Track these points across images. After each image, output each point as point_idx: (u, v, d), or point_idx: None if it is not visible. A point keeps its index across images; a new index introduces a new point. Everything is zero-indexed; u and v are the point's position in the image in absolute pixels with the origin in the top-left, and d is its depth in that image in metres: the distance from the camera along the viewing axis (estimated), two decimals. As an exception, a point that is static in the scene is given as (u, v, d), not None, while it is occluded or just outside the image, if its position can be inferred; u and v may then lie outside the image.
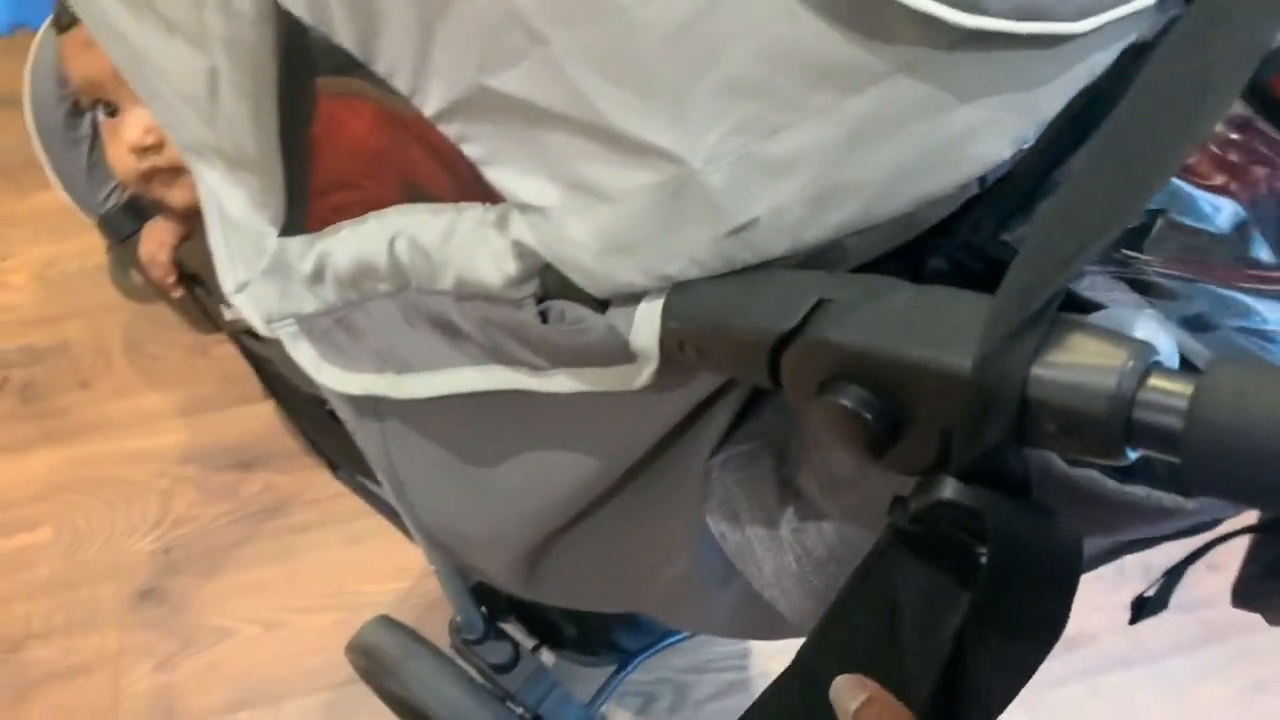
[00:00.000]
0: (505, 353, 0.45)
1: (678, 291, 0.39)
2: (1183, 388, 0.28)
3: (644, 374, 0.41)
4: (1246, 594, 0.38)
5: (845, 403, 0.34)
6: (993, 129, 0.34)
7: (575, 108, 0.36)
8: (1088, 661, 1.16)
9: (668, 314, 0.39)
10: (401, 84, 0.41)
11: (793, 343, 0.35)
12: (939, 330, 0.32)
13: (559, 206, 0.39)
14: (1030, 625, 0.32)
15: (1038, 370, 0.30)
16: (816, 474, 0.48)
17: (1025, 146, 0.36)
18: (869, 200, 0.36)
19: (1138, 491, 0.35)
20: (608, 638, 1.03)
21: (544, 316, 0.43)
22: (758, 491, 0.51)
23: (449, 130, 0.41)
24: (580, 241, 0.39)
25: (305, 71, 0.46)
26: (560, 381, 0.44)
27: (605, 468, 0.51)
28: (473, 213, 0.44)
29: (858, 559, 0.36)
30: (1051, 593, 0.32)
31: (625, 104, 0.35)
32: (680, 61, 0.34)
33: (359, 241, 0.50)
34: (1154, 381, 0.29)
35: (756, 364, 0.37)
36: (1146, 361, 0.29)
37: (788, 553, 0.51)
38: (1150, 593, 0.45)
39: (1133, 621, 0.48)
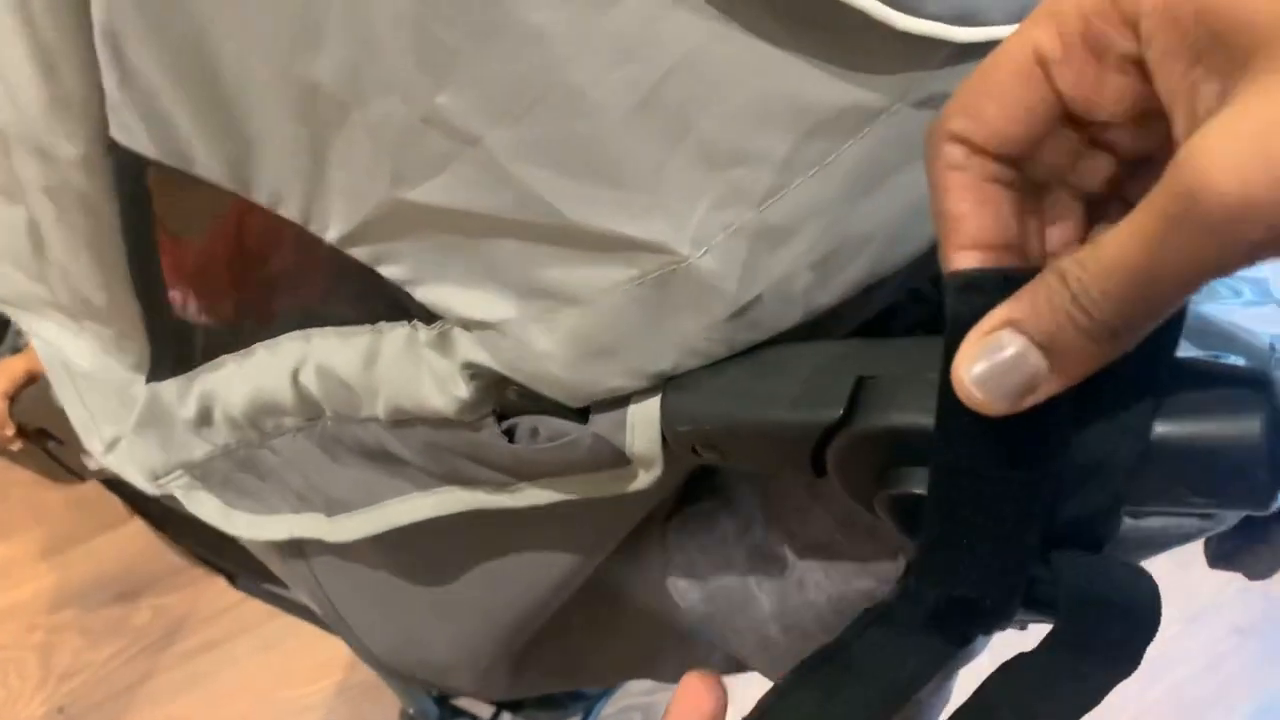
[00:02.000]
0: (460, 475, 0.40)
1: (677, 390, 0.34)
2: None
3: (643, 479, 0.36)
4: (1222, 553, 0.37)
5: (918, 491, 0.29)
6: None
7: (524, 209, 0.31)
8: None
9: (672, 417, 0.34)
10: (291, 211, 0.35)
11: (840, 433, 0.31)
12: None
13: (516, 318, 0.34)
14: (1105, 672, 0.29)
15: (1162, 428, 0.26)
16: (793, 538, 0.45)
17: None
18: (881, 249, 0.32)
19: (1187, 524, 0.33)
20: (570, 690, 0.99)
21: (510, 434, 0.37)
22: (725, 559, 0.47)
23: (359, 254, 0.35)
24: (548, 352, 0.34)
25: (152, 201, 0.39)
26: (532, 495, 0.39)
27: (586, 560, 0.46)
28: (398, 333, 0.38)
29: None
30: (1131, 643, 0.28)
31: (588, 197, 0.30)
32: (647, 139, 0.29)
33: (251, 377, 0.43)
34: None
35: (797, 459, 0.32)
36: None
37: (771, 625, 0.48)
38: None
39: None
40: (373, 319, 0.39)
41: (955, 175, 0.25)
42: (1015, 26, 0.25)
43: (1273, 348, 0.32)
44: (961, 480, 0.27)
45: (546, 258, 0.32)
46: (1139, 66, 0.23)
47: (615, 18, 0.28)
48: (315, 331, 0.41)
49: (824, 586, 0.45)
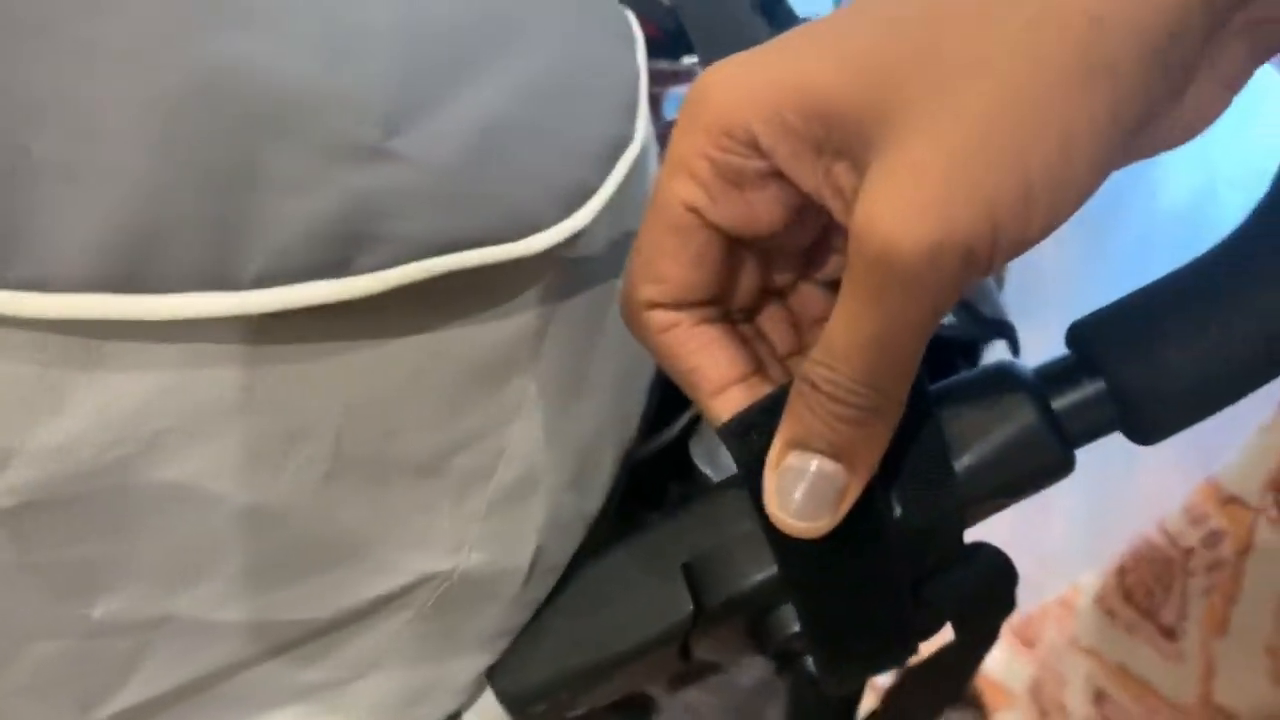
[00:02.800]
0: None
1: (507, 674, 0.31)
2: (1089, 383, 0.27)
3: None
4: None
5: (797, 629, 0.29)
6: None
7: (258, 640, 0.27)
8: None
9: (519, 703, 0.31)
10: None
11: (696, 625, 0.29)
12: None
13: None
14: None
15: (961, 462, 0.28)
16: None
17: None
18: (618, 425, 0.30)
19: None
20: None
21: None
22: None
23: None
24: None
25: None
26: None
27: None
28: None
29: None
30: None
31: (327, 587, 0.26)
32: (355, 501, 0.26)
33: None
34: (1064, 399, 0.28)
35: (664, 665, 0.31)
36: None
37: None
38: None
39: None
40: None
41: (669, 336, 0.25)
42: None
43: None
44: (828, 595, 0.27)
45: (307, 659, 0.28)
46: (777, 175, 0.24)
47: (249, 428, 0.23)
48: None
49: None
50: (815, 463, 0.23)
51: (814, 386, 0.23)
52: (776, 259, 0.27)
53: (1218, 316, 0.26)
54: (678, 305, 0.25)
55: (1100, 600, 0.87)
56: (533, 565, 0.29)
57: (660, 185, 0.24)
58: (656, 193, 0.24)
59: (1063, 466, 0.28)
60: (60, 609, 0.24)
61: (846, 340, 0.22)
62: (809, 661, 0.30)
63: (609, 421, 0.30)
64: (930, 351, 0.24)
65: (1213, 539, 0.74)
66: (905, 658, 0.29)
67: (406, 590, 0.27)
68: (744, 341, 0.26)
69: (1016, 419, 0.27)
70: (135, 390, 0.21)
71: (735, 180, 0.24)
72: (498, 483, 0.27)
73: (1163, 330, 0.26)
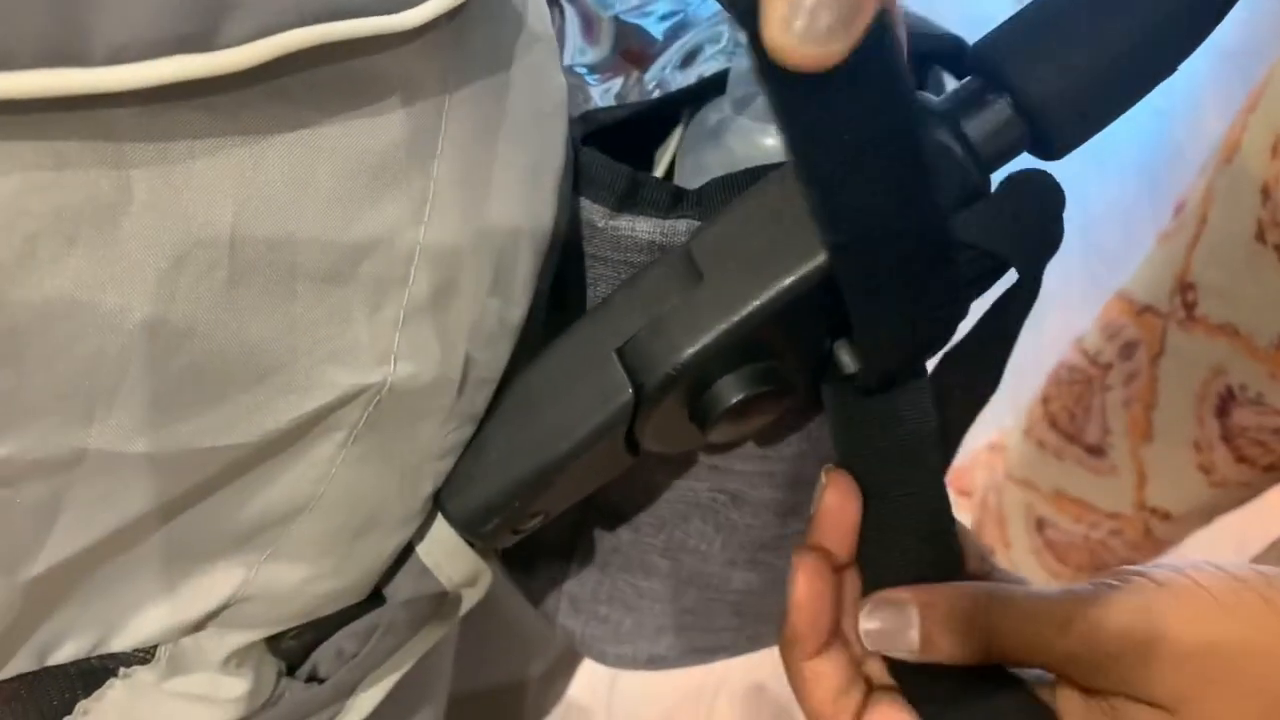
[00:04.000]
0: None
1: (455, 495, 0.30)
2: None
3: (473, 594, 0.33)
4: None
5: (739, 396, 0.29)
6: None
7: (181, 475, 0.25)
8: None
9: (471, 523, 0.30)
10: None
11: (640, 408, 0.28)
12: (755, 261, 0.27)
13: (246, 576, 0.28)
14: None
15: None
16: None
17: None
18: (530, 228, 0.29)
19: None
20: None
21: (314, 674, 0.32)
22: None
23: (14, 669, 0.28)
24: (307, 578, 0.29)
25: None
26: (366, 700, 0.33)
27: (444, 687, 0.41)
28: (107, 702, 0.30)
29: None
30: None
31: (246, 410, 0.25)
32: (258, 314, 0.24)
33: None
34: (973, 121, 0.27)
35: (613, 459, 0.30)
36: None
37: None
38: None
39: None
40: (63, 711, 0.30)
41: None
42: None
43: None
44: (844, 175, 0.23)
45: (241, 497, 0.26)
46: None
47: (133, 232, 0.22)
48: None
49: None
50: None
51: None
52: None
53: (1107, 12, 0.26)
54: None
55: (1029, 432, 0.89)
56: (464, 376, 0.28)
57: None
58: None
59: (980, 190, 0.27)
60: None
61: None
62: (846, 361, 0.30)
63: (522, 221, 0.28)
64: None
65: (1128, 350, 0.77)
66: (950, 308, 0.28)
67: (333, 408, 0.26)
68: None
69: (931, 143, 0.27)
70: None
71: None
72: (414, 289, 0.26)
73: (1056, 34, 0.26)
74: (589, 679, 1.05)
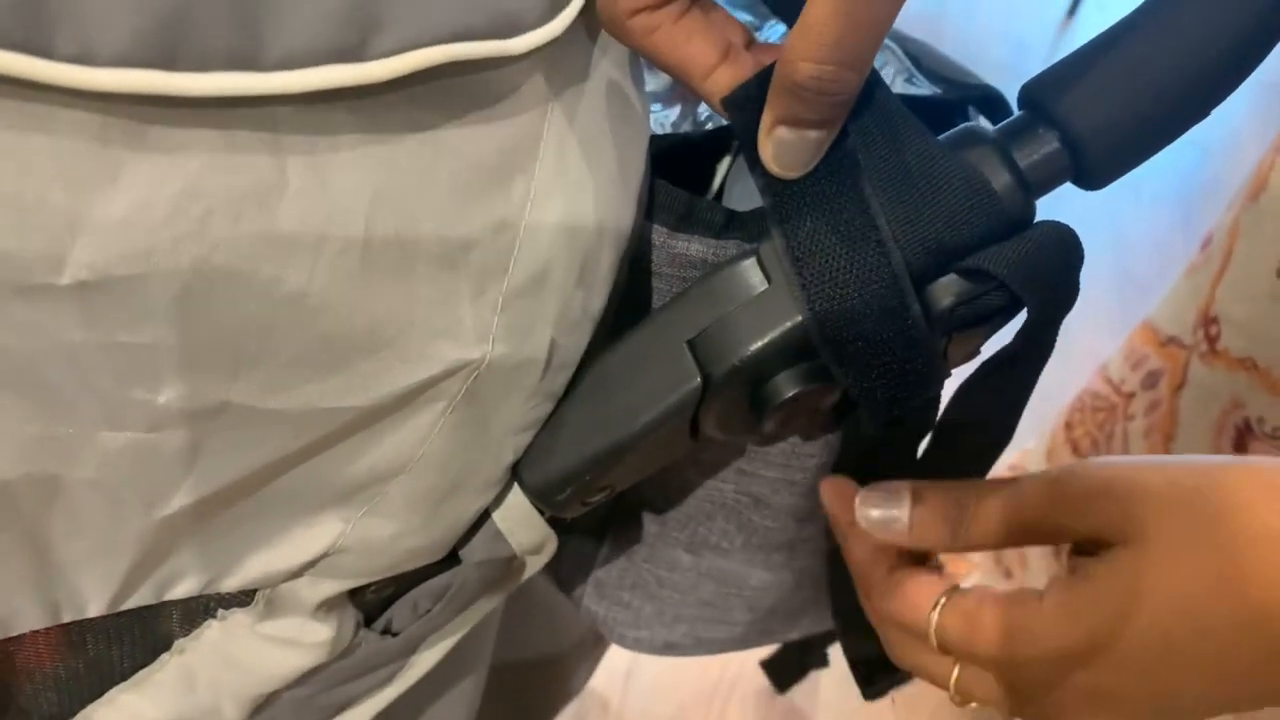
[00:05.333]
0: (339, 703, 0.37)
1: (533, 466, 0.33)
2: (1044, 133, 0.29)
3: (536, 561, 0.36)
4: None
5: (795, 389, 0.31)
6: None
7: (305, 431, 0.28)
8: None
9: (546, 491, 0.33)
10: (29, 623, 0.30)
11: (706, 396, 0.31)
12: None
13: (345, 529, 0.31)
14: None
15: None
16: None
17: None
18: (613, 223, 0.32)
19: None
20: None
21: (388, 628, 0.35)
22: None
23: (137, 601, 0.31)
24: (397, 533, 0.32)
25: None
26: (426, 659, 0.37)
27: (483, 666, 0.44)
28: (205, 639, 0.33)
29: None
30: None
31: (364, 378, 0.28)
32: (382, 290, 0.27)
33: None
34: (1023, 151, 0.30)
35: (677, 443, 0.33)
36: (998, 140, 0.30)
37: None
38: None
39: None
40: (162, 646, 0.34)
41: (655, 37, 0.28)
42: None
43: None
44: (810, 224, 0.29)
45: (350, 455, 0.30)
46: None
47: (289, 212, 0.25)
48: (100, 702, 0.34)
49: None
50: (796, 131, 0.28)
51: (797, 81, 0.26)
52: None
53: (1148, 55, 0.28)
54: (655, 6, 0.28)
55: (1050, 455, 0.91)
56: (549, 357, 0.31)
57: None
58: None
59: (1026, 216, 0.30)
60: (128, 394, 0.25)
61: (834, 34, 0.25)
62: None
63: (607, 222, 0.31)
64: (927, 113, 0.27)
65: (1151, 379, 0.78)
66: (922, 344, 0.29)
67: (439, 379, 0.29)
68: (713, 23, 0.30)
69: (985, 170, 0.29)
70: (179, 172, 0.23)
71: None
72: (511, 277, 0.29)
73: (1102, 75, 0.28)
74: (604, 672, 1.08)
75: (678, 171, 0.36)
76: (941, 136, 0.30)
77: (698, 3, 0.29)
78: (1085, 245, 0.30)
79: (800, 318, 0.29)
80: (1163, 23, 0.28)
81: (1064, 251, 0.29)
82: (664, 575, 0.47)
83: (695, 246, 0.34)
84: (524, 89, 0.28)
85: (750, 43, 0.30)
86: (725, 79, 0.29)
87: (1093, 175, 0.30)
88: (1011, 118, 0.31)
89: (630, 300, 0.36)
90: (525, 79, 0.28)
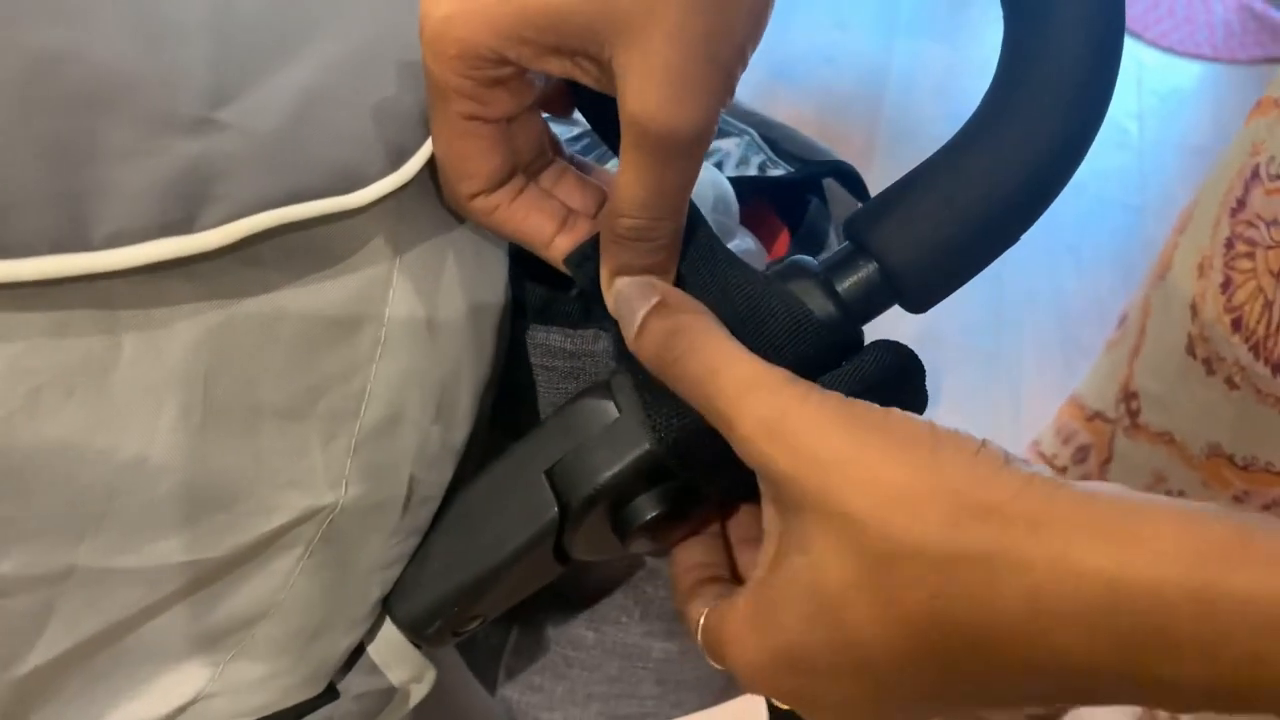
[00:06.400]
0: None
1: (402, 600, 0.33)
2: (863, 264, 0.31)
3: (419, 690, 0.35)
4: None
5: (654, 512, 0.31)
6: None
7: (159, 585, 0.28)
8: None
9: (416, 624, 0.33)
10: None
11: (566, 524, 0.32)
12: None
13: (211, 674, 0.31)
14: None
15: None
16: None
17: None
18: (471, 360, 0.33)
19: None
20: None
21: None
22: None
23: None
24: (266, 676, 0.32)
25: None
26: None
27: None
28: None
29: None
30: None
31: (217, 530, 0.28)
32: (234, 450, 0.28)
33: None
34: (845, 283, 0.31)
35: (543, 568, 0.33)
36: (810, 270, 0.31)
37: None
38: None
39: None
40: None
41: (497, 215, 0.30)
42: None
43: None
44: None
45: (210, 603, 0.30)
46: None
47: (123, 383, 0.25)
48: None
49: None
50: (630, 285, 0.29)
51: (619, 234, 0.28)
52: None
53: (958, 187, 0.29)
54: (491, 189, 0.30)
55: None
56: (409, 495, 0.31)
57: (434, 109, 0.28)
58: (434, 116, 0.28)
59: (853, 340, 0.31)
60: None
61: (641, 195, 0.27)
62: None
63: (464, 357, 0.32)
64: (783, 192, 0.30)
65: (1081, 454, 0.79)
66: None
67: (291, 526, 0.29)
68: (549, 197, 0.31)
69: (807, 299, 0.30)
70: (7, 353, 0.23)
71: (494, 83, 0.28)
72: (364, 421, 0.29)
73: (915, 208, 0.30)
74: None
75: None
76: (769, 269, 0.32)
77: (541, 177, 0.31)
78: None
79: (648, 445, 0.30)
80: (971, 157, 0.29)
81: (897, 368, 0.30)
82: (570, 654, 0.47)
83: (555, 337, 0.36)
84: (371, 239, 0.28)
85: (604, 203, 0.31)
86: (564, 245, 0.31)
87: (915, 299, 0.31)
88: (835, 250, 0.32)
89: (507, 385, 0.36)
90: (373, 229, 0.28)
